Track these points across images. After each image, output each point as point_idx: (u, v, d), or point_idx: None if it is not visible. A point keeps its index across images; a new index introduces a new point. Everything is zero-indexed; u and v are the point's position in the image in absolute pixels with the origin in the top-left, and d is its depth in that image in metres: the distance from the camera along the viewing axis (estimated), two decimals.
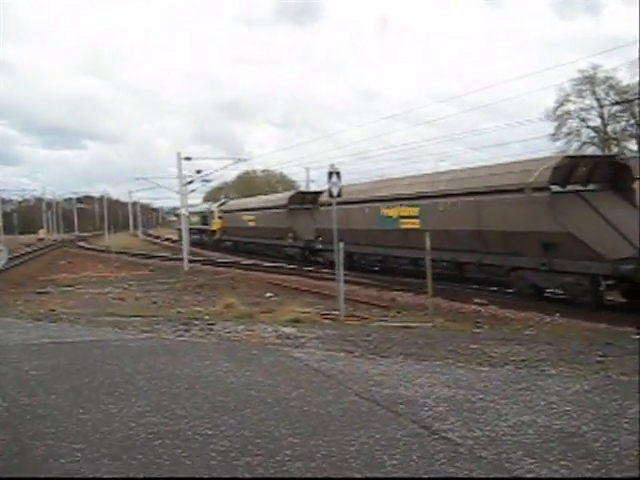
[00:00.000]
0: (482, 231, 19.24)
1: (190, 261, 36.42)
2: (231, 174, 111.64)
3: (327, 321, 14.19)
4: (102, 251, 51.90)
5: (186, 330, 11.05)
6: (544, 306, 17.11)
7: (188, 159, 39.16)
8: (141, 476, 4.34)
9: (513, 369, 7.53)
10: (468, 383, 6.74)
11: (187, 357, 8.34)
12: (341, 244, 15.99)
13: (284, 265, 32.95)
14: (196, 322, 12.16)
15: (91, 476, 3.80)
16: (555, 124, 51.07)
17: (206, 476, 4.04)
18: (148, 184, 66.31)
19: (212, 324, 11.80)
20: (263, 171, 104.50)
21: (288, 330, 11.04)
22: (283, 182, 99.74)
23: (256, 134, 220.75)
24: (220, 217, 51.94)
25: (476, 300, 18.63)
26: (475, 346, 9.17)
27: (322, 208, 31.01)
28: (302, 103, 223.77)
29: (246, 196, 57.64)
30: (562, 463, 4.42)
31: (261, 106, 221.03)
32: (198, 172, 43.61)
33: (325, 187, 20.47)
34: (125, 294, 23.48)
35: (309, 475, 4.29)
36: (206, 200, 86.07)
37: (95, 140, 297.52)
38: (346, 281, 20.37)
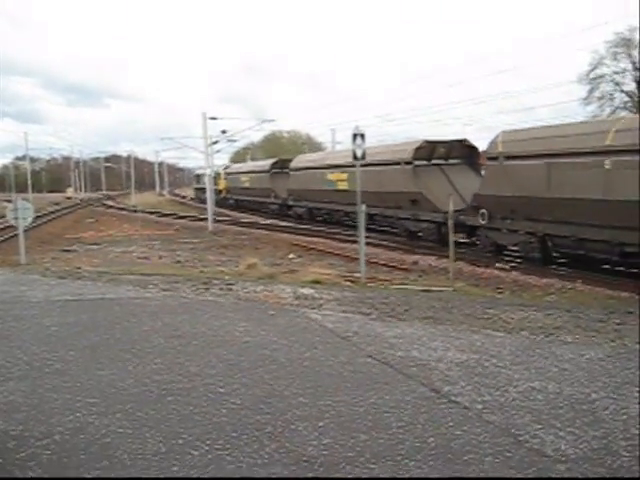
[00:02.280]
0: (380, 192, 26.05)
1: (215, 221, 36.65)
2: (257, 135, 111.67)
3: (347, 283, 14.23)
4: (128, 210, 52.37)
5: (206, 289, 11.14)
6: (567, 273, 17.00)
7: (214, 119, 39.20)
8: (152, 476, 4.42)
9: (528, 335, 7.51)
10: (482, 348, 6.75)
11: (204, 316, 8.44)
12: (363, 206, 15.92)
13: (310, 227, 33.01)
14: (216, 282, 12.25)
15: (93, 476, 3.89)
16: (588, 87, 50.13)
17: (206, 476, 4.07)
18: (174, 144, 66.62)
19: (231, 284, 11.88)
20: (289, 132, 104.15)
21: (307, 291, 11.09)
22: (309, 143, 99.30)
23: (280, 95, 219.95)
24: (225, 179, 58.26)
25: (498, 265, 18.55)
26: (492, 311, 9.15)
27: (292, 172, 39.54)
28: (328, 64, 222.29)
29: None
30: (569, 430, 4.44)
31: (285, 66, 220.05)
32: (223, 132, 43.70)
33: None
34: (149, 253, 23.73)
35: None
36: (232, 161, 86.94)
37: (117, 99, 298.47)
38: (368, 243, 20.43)
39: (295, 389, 5.31)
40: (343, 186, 30.79)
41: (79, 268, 16.00)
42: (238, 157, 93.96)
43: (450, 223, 15.71)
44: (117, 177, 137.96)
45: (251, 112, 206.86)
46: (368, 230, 31.30)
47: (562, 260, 17.79)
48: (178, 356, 6.35)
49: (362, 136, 17.01)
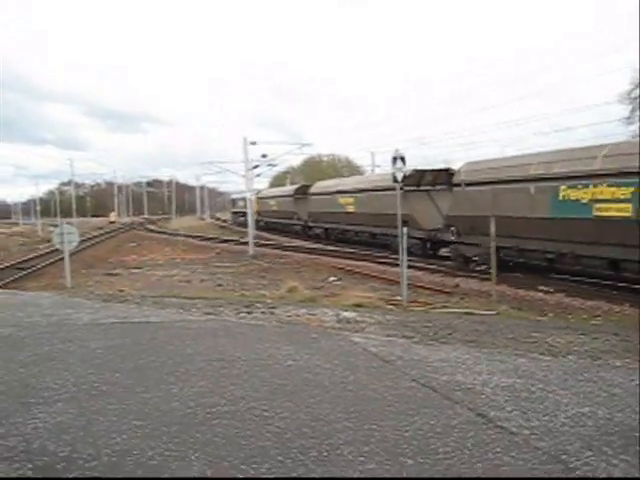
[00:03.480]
0: (379, 214, 31.61)
1: (256, 245, 36.89)
2: (296, 159, 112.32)
3: (389, 307, 14.18)
4: (170, 234, 53.05)
5: (248, 312, 11.20)
6: (613, 295, 16.68)
7: (254, 144, 39.58)
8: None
9: (576, 359, 7.37)
10: (528, 372, 6.65)
11: (247, 339, 8.47)
12: (405, 229, 15.89)
13: (350, 250, 33.17)
14: (258, 305, 12.32)
15: (105, 476, 3.92)
16: (629, 107, 49.36)
17: (212, 476, 4.08)
18: (214, 169, 68.11)
19: (274, 307, 11.93)
20: (328, 156, 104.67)
21: (349, 315, 11.07)
22: (349, 167, 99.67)
23: (316, 119, 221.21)
24: (257, 203, 61.43)
25: (541, 288, 18.30)
26: (538, 335, 9.02)
27: (311, 197, 46.51)
28: (361, 89, 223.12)
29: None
30: (621, 457, 4.32)
31: (320, 91, 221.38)
32: (264, 156, 44.03)
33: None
34: (191, 276, 23.97)
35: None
36: (272, 184, 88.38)
37: (155, 124, 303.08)
38: (410, 267, 20.35)
39: (339, 413, 5.28)
40: (351, 209, 37.53)
41: (122, 291, 16.26)
42: (278, 181, 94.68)
43: (492, 245, 15.58)
44: (158, 201, 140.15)
45: (287, 136, 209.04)
46: (369, 246, 35.71)
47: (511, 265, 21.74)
48: (222, 379, 6.37)
49: (402, 159, 17.08)
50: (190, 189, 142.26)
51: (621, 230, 16.16)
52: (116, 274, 25.06)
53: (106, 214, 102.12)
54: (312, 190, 47.09)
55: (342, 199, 38.83)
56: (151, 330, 9.22)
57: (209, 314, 10.99)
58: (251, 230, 37.80)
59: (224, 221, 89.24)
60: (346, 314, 11.12)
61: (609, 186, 17.04)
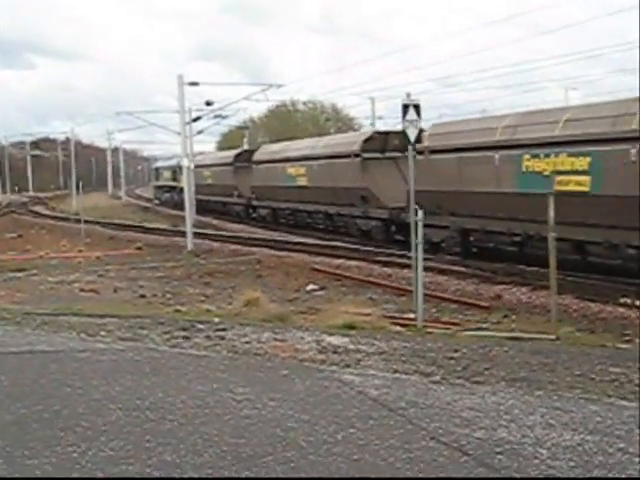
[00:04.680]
0: (335, 187, 35.64)
1: (196, 236, 36.81)
2: (259, 108, 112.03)
3: (396, 328, 14.20)
4: (68, 220, 52.78)
5: (185, 338, 11.16)
6: None
7: (194, 84, 39.41)
8: None
9: None
10: (602, 425, 6.69)
11: (184, 378, 8.45)
12: (420, 213, 15.92)
13: (338, 244, 33.17)
14: (201, 326, 12.28)
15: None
16: None
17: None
18: (134, 122, 67.49)
19: (224, 329, 11.90)
20: (306, 103, 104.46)
21: (337, 341, 11.08)
22: (336, 119, 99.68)
23: (288, 47, 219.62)
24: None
25: (623, 300, 18.39)
26: (617, 370, 9.09)
27: (254, 166, 49.06)
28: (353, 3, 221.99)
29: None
30: None
31: (297, 4, 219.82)
32: (208, 104, 43.91)
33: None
34: (99, 283, 23.85)
35: None
36: (220, 147, 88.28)
37: (47, 56, 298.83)
38: (429, 268, 20.38)
39: None
40: (302, 182, 40.28)
41: None
42: (230, 141, 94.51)
43: (551, 237, 15.66)
44: (51, 171, 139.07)
45: (245, 74, 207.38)
46: (328, 232, 38.56)
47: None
48: (146, 437, 6.35)
49: (416, 108, 17.08)
50: (99, 152, 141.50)
51: (581, 207, 18.65)
52: None
53: None
54: (256, 157, 50.00)
55: (291, 169, 42.30)
56: (38, 364, 9.16)
57: (126, 340, 10.94)
58: (190, 214, 37.68)
59: (148, 200, 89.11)
60: (332, 340, 11.12)
61: (569, 156, 20.23)
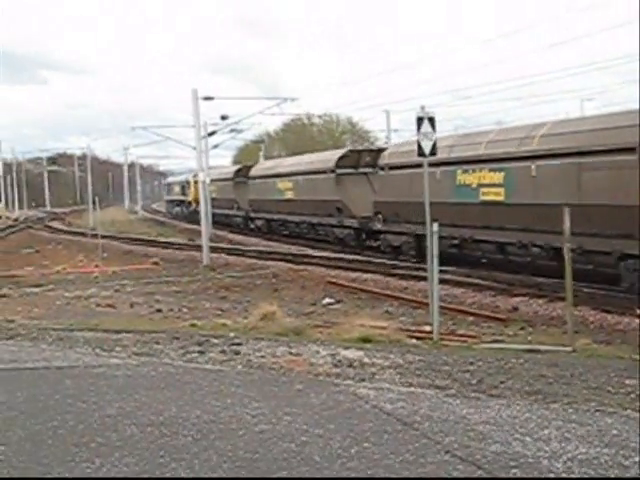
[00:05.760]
0: (315, 200, 40.51)
1: (212, 249, 36.87)
2: (275, 122, 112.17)
3: (412, 341, 14.17)
4: (85, 235, 52.96)
5: (201, 352, 11.18)
6: None
7: (209, 99, 39.50)
8: None
9: None
10: (619, 439, 6.66)
11: (199, 392, 8.47)
12: (435, 225, 15.90)
13: (354, 257, 33.32)
14: (216, 341, 12.30)
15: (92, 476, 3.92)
16: None
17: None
18: (150, 136, 67.45)
19: (239, 344, 11.91)
20: (322, 116, 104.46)
21: (352, 354, 11.07)
22: (352, 132, 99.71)
23: (300, 61, 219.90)
24: (194, 188, 69.32)
25: None
26: (634, 382, 9.04)
27: (251, 181, 55.31)
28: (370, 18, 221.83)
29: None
30: None
31: (310, 21, 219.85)
32: (224, 118, 44.06)
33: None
34: (116, 298, 23.90)
35: None
36: (236, 161, 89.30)
37: (58, 71, 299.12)
38: (445, 281, 20.35)
39: None
40: (290, 195, 46.09)
41: (12, 321, 16.17)
42: (246, 155, 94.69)
43: (567, 248, 15.61)
44: (67, 187, 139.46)
45: (260, 88, 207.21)
46: (311, 240, 43.47)
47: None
48: (161, 453, 6.35)
49: (431, 120, 17.08)
50: (115, 168, 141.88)
51: (499, 214, 22.18)
52: (2, 295, 24.96)
53: None
54: (252, 172, 56.11)
55: (281, 184, 48.20)
56: (53, 380, 9.19)
57: (142, 355, 10.96)
58: (206, 229, 37.73)
59: (165, 215, 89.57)
60: (348, 353, 11.11)
61: (489, 171, 25.15)
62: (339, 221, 39.10)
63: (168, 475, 5.83)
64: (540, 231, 23.05)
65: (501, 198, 23.42)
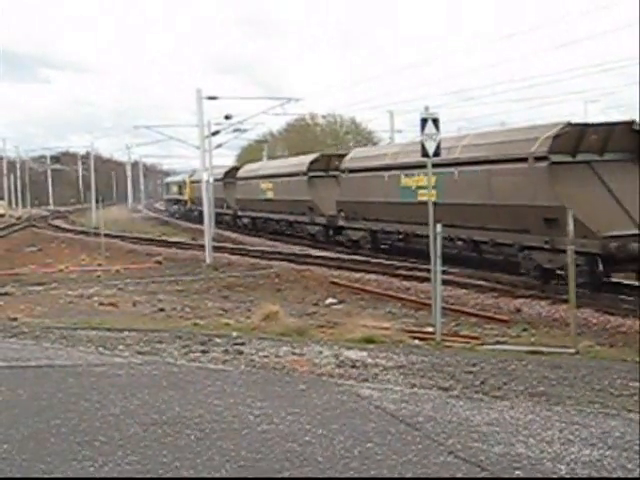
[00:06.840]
0: (291, 200, 45.56)
1: (215, 248, 36.87)
2: (278, 122, 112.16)
3: (415, 342, 14.17)
4: (88, 233, 52.97)
5: (203, 352, 11.19)
6: None
7: (213, 98, 39.42)
8: None
9: None
10: (622, 441, 6.65)
11: (202, 392, 8.47)
12: (438, 227, 15.88)
13: (357, 257, 33.36)
14: (219, 340, 12.30)
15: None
16: None
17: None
18: (154, 135, 67.14)
19: (242, 344, 11.91)
20: (325, 116, 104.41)
21: (355, 355, 11.08)
22: (356, 132, 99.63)
23: (303, 61, 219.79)
24: (190, 187, 75.26)
25: None
26: (637, 384, 9.03)
27: (238, 182, 59.92)
28: (374, 18, 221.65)
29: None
30: None
31: (314, 20, 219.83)
32: (227, 118, 44.05)
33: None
34: (118, 297, 23.90)
35: None
36: (240, 160, 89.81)
37: (61, 70, 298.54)
38: (448, 282, 20.35)
39: None
40: (270, 195, 50.55)
41: (15, 319, 16.18)
42: (249, 154, 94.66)
43: (570, 250, 15.60)
44: (70, 185, 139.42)
45: (263, 88, 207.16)
46: (285, 236, 47.64)
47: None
48: (163, 452, 6.35)
49: (435, 122, 17.04)
50: (119, 166, 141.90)
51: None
52: (5, 293, 24.95)
53: None
54: (239, 174, 61.06)
55: (263, 184, 52.50)
56: (56, 379, 9.18)
57: (145, 354, 10.96)
58: (209, 228, 37.71)
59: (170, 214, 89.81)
60: (351, 354, 11.11)
61: (424, 175, 25.96)
62: (310, 219, 43.47)
63: (171, 474, 5.84)
64: (462, 227, 27.01)
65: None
